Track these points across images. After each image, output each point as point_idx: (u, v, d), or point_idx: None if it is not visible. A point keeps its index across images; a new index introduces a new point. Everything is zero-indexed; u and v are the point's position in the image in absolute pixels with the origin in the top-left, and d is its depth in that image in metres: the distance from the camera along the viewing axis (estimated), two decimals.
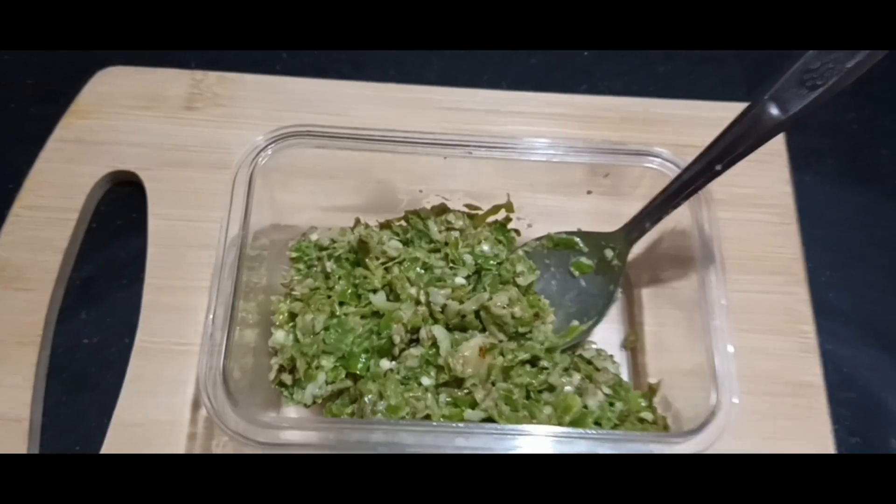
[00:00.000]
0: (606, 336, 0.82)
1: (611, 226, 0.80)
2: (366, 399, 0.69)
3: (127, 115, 0.92)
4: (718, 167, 0.74)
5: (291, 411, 0.77)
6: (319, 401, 0.72)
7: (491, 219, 0.82)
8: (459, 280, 0.77)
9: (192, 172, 0.89)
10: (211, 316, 0.65)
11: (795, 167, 0.95)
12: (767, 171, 0.94)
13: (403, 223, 0.81)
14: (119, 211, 0.89)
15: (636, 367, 0.83)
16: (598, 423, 0.71)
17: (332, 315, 0.74)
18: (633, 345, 0.84)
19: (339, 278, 0.76)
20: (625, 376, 0.80)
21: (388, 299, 0.75)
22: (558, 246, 0.83)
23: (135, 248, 0.85)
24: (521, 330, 0.76)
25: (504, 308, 0.75)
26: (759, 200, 0.91)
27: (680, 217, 0.75)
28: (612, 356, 0.79)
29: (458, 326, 0.75)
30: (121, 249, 0.87)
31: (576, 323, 0.80)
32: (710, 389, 0.69)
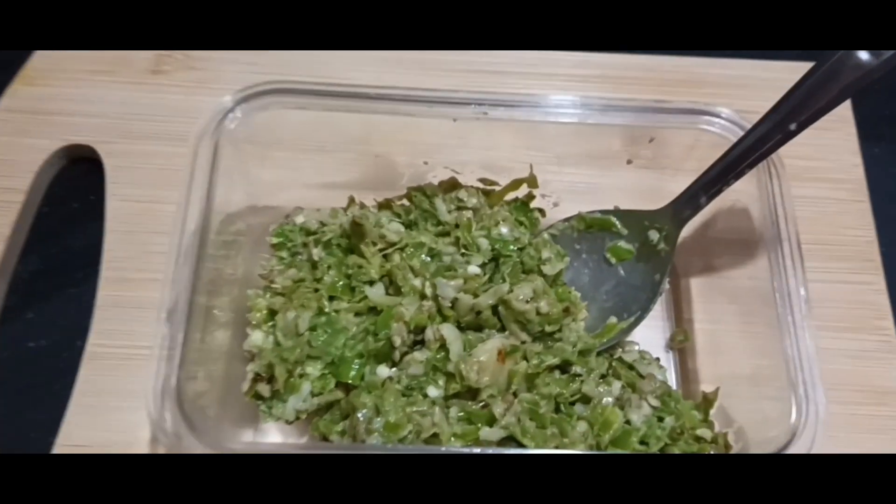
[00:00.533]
0: (649, 336, 0.74)
1: (655, 204, 0.71)
2: (359, 415, 0.61)
3: (83, 82, 0.83)
4: (793, 126, 0.63)
5: (272, 429, 0.69)
6: (304, 416, 0.65)
7: (510, 196, 0.74)
8: (473, 269, 0.68)
9: (157, 146, 0.80)
10: (163, 314, 0.57)
11: (863, 137, 0.85)
12: (833, 141, 0.84)
13: (406, 202, 0.73)
14: (73, 192, 0.81)
15: (685, 372, 0.75)
16: (644, 443, 0.63)
17: (320, 312, 0.66)
18: (681, 345, 0.75)
19: (329, 268, 0.68)
20: (672, 384, 0.72)
21: (388, 293, 0.68)
22: (591, 228, 0.74)
23: (91, 236, 0.77)
24: (548, 329, 0.67)
25: (527, 302, 0.66)
26: (824, 174, 0.82)
27: (741, 191, 0.67)
28: (657, 359, 0.70)
29: (472, 325, 0.67)
30: (74, 238, 0.79)
31: (613, 320, 0.71)
32: (788, 400, 0.60)
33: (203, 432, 0.54)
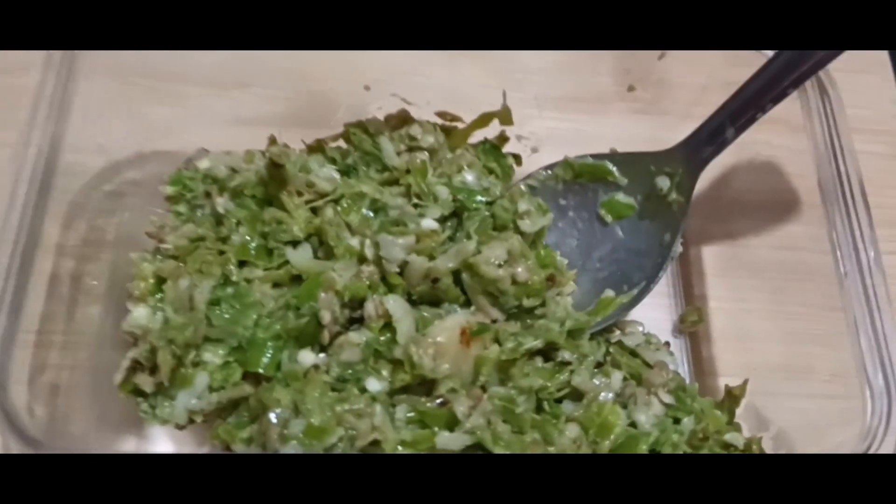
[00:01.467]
0: (651, 316, 0.64)
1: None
2: (272, 415, 0.50)
3: None
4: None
5: (160, 435, 0.59)
6: (200, 418, 0.54)
7: (476, 136, 0.65)
8: (428, 223, 0.58)
9: None
10: None
11: None
12: (869, 87, 0.77)
13: (342, 143, 0.64)
14: None
15: (698, 362, 0.66)
16: (655, 451, 0.54)
17: (226, 281, 0.56)
18: (693, 328, 0.67)
19: (238, 224, 0.59)
20: (684, 376, 0.63)
21: (316, 256, 0.59)
22: (581, 177, 0.63)
23: None
24: (526, 303, 0.57)
25: (500, 267, 0.56)
26: (860, 124, 0.66)
27: (776, 129, 0.59)
28: (667, 344, 0.61)
29: (427, 297, 0.58)
30: None
31: (610, 294, 0.61)
32: (856, 397, 0.49)
33: (49, 444, 0.46)
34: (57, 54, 0.55)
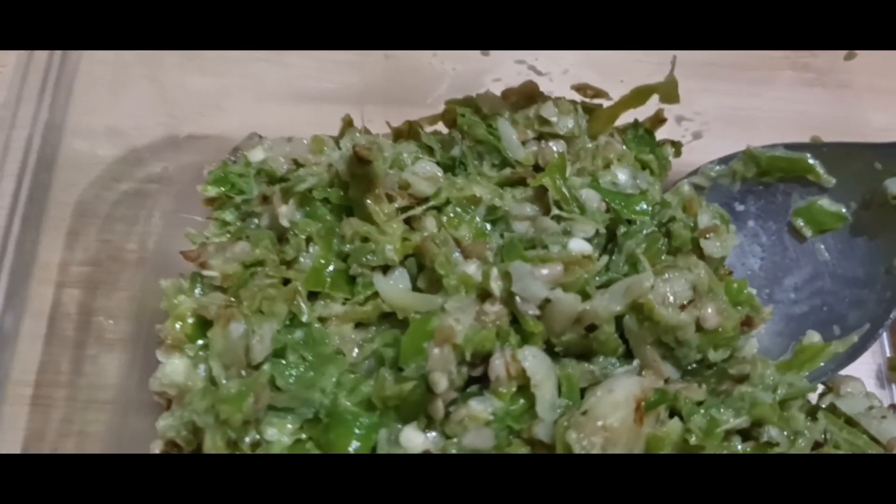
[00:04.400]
0: None
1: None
2: None
3: None
4: None
5: None
6: None
7: (624, 117, 0.55)
8: (579, 245, 0.47)
9: None
10: None
11: None
12: None
13: (444, 127, 0.56)
14: None
15: None
16: None
17: (294, 322, 0.47)
18: None
19: (309, 241, 0.50)
20: None
21: (417, 287, 0.49)
22: (768, 174, 0.53)
23: None
24: (712, 357, 0.46)
25: (684, 308, 0.44)
26: None
27: None
28: (893, 408, 0.49)
29: (577, 350, 0.47)
30: None
31: (815, 338, 0.50)
32: None
33: None
34: None
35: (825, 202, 0.52)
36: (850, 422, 0.47)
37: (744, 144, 0.55)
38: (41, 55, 0.46)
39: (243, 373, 0.45)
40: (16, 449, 0.41)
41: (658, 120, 0.54)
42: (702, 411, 0.44)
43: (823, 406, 0.49)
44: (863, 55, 0.56)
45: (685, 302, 0.44)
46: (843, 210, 0.52)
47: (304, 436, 0.45)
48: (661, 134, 0.55)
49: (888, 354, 0.57)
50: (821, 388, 0.51)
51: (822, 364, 0.49)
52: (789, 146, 0.52)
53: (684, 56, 0.54)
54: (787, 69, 0.58)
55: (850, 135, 0.54)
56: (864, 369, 0.55)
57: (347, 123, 0.55)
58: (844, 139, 0.54)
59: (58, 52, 0.47)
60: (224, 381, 0.44)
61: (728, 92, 0.58)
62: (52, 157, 0.43)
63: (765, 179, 0.53)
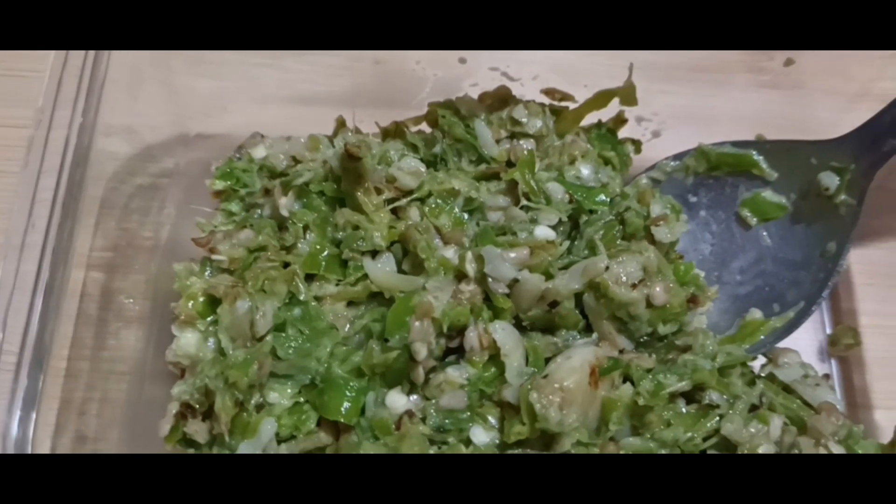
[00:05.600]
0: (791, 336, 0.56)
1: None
2: None
3: None
4: None
5: None
6: None
7: (589, 118, 0.58)
8: (544, 232, 0.51)
9: None
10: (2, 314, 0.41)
11: None
12: None
13: (427, 127, 0.59)
14: None
15: (849, 390, 0.58)
16: None
17: (292, 301, 0.51)
18: (847, 351, 0.58)
19: (306, 229, 0.53)
20: None
21: (402, 269, 0.52)
22: (718, 169, 0.57)
23: None
24: (662, 330, 0.50)
25: (634, 287, 0.48)
26: None
27: None
28: (826, 378, 0.52)
29: (542, 324, 0.51)
30: None
31: (757, 315, 0.54)
32: None
33: None
34: None
35: (768, 194, 0.55)
36: (787, 388, 0.50)
37: (699, 142, 0.58)
38: (75, 62, 0.48)
39: (248, 344, 0.48)
40: (52, 415, 0.43)
41: (620, 120, 0.57)
42: (650, 377, 0.47)
43: (763, 375, 0.51)
44: (813, 59, 0.58)
45: (636, 281, 0.48)
46: (784, 201, 0.55)
47: (301, 399, 0.48)
48: (622, 133, 0.58)
49: (828, 332, 0.59)
50: (763, 359, 0.52)
51: (762, 337, 0.52)
52: (736, 143, 0.56)
53: (644, 60, 0.57)
54: (743, 72, 0.60)
55: (800, 132, 0.57)
56: (807, 345, 0.58)
57: (340, 123, 0.58)
58: (795, 136, 0.56)
59: (88, 59, 0.48)
60: (231, 352, 0.47)
61: (686, 93, 0.60)
62: (85, 155, 0.45)
63: (715, 174, 0.56)
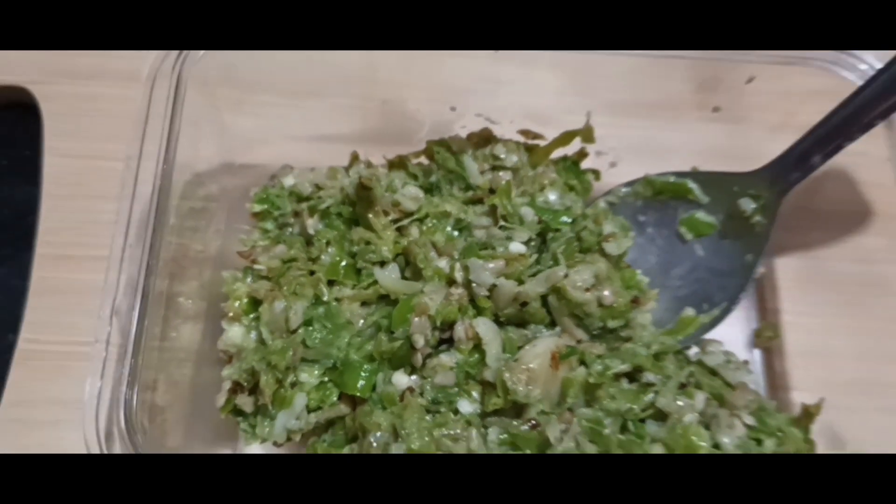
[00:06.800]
0: (724, 330, 0.62)
1: (743, 168, 0.61)
2: (371, 439, 0.52)
3: None
4: None
5: (253, 450, 0.59)
6: (298, 437, 0.55)
7: (558, 153, 0.64)
8: (516, 246, 0.58)
9: (104, 86, 0.69)
10: (108, 310, 0.49)
11: None
12: None
13: (425, 160, 0.64)
14: (2, 146, 0.71)
15: (772, 376, 0.65)
16: None
17: (317, 301, 0.57)
18: (767, 343, 0.65)
19: (328, 244, 0.59)
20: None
21: (404, 276, 0.59)
22: (661, 194, 0.63)
23: (23, 202, 0.68)
24: (610, 324, 0.57)
25: (587, 290, 0.56)
26: None
27: (860, 150, 0.56)
28: (745, 363, 0.59)
29: (515, 320, 0.58)
30: (3, 204, 0.69)
31: (691, 312, 0.61)
32: None
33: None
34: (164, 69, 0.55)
35: (701, 214, 0.62)
36: (713, 371, 0.57)
37: (651, 171, 0.64)
38: (157, 109, 0.53)
39: (284, 336, 0.55)
40: (120, 396, 0.48)
41: (582, 154, 0.63)
42: (600, 361, 0.54)
43: (694, 360, 0.58)
44: (756, 96, 0.62)
45: (589, 286, 0.55)
46: (714, 220, 0.61)
47: (326, 378, 0.55)
48: (585, 164, 0.64)
49: (755, 327, 0.66)
50: (696, 348, 0.59)
51: (694, 331, 0.60)
52: (676, 174, 0.62)
53: (605, 100, 0.62)
54: (693, 109, 0.64)
55: (737, 160, 0.61)
56: (737, 338, 0.65)
57: (354, 157, 0.63)
58: (733, 164, 0.61)
59: (168, 103, 0.54)
60: (271, 342, 0.54)
61: (639, 129, 0.65)
62: (168, 185, 0.52)
63: (659, 198, 0.63)
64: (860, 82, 0.56)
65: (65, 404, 0.58)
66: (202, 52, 0.55)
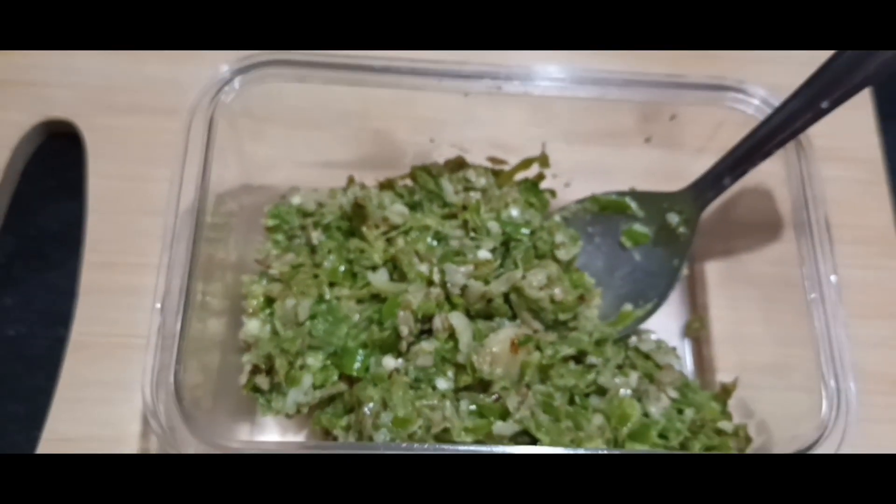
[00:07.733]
0: (662, 323, 0.69)
1: (674, 186, 0.68)
2: (366, 409, 0.59)
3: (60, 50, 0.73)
4: (825, 104, 0.59)
5: (270, 423, 0.66)
6: (305, 410, 0.61)
7: (519, 176, 0.70)
8: (484, 254, 0.64)
9: (141, 120, 0.74)
10: (158, 304, 0.55)
11: (884, 115, 0.81)
12: (851, 119, 0.76)
13: (409, 182, 0.70)
14: (51, 169, 0.76)
15: (700, 362, 0.72)
16: (663, 436, 0.61)
17: (321, 299, 0.63)
18: (696, 333, 0.72)
19: (329, 252, 0.65)
20: (688, 374, 0.69)
21: (392, 279, 0.64)
22: (606, 210, 0.70)
23: (70, 216, 0.73)
24: (561, 317, 0.64)
25: (541, 289, 0.63)
26: (841, 153, 0.76)
27: (766, 172, 0.64)
28: (674, 349, 0.67)
29: (483, 313, 0.64)
30: (53, 218, 0.74)
31: (629, 307, 0.68)
32: (817, 392, 0.57)
33: (199, 427, 0.52)
34: (202, 105, 0.60)
35: (637, 226, 0.69)
36: (646, 356, 0.64)
37: (599, 191, 0.70)
38: (196, 134, 0.58)
39: (293, 328, 0.61)
40: (170, 374, 0.52)
41: (540, 177, 0.69)
42: (552, 346, 0.61)
43: (632, 346, 0.65)
44: (681, 127, 0.68)
45: (542, 286, 0.62)
46: (648, 231, 0.68)
47: (328, 362, 0.60)
48: (543, 185, 0.70)
49: (686, 319, 0.72)
50: (634, 337, 0.66)
51: (631, 322, 0.66)
52: (618, 193, 0.69)
53: (562, 129, 0.68)
54: (634, 137, 0.70)
55: (673, 179, 0.68)
56: (671, 329, 0.71)
57: (351, 180, 0.68)
58: (670, 183, 0.67)
59: (204, 127, 0.58)
60: (283, 333, 0.60)
61: (590, 154, 0.71)
62: (203, 204, 0.57)
63: (604, 213, 0.70)
64: (759, 116, 0.63)
65: (115, 384, 0.64)
66: (233, 90, 0.61)
